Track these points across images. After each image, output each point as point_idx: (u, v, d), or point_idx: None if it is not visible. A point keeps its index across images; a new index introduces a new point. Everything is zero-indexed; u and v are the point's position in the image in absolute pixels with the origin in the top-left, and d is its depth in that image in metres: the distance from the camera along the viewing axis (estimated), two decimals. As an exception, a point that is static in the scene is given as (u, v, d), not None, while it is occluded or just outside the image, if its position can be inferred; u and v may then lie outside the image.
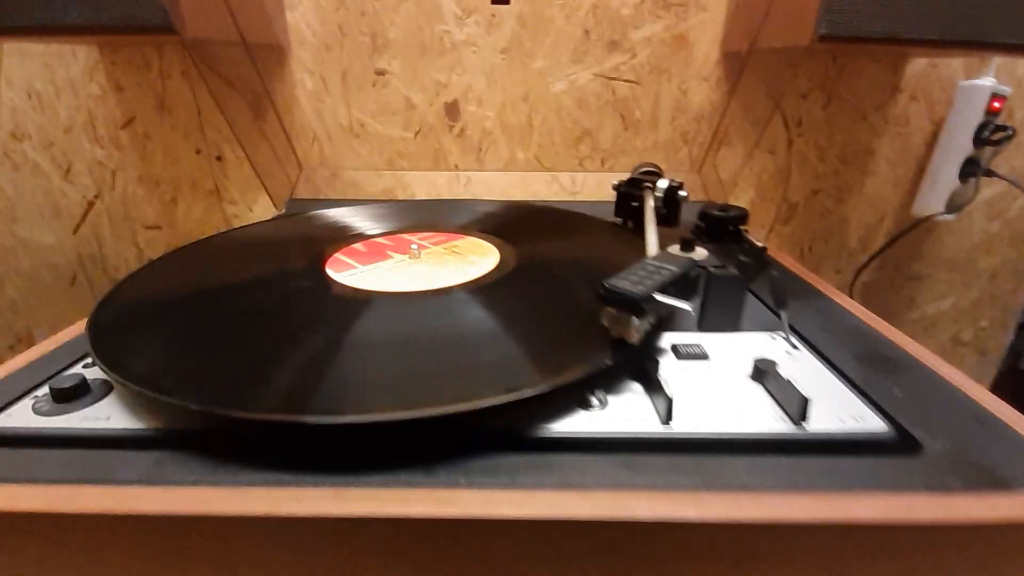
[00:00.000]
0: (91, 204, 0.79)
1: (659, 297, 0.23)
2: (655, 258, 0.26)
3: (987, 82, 0.66)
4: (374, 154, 0.76)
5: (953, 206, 0.74)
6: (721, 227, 0.47)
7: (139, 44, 0.69)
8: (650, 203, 0.41)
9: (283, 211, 0.65)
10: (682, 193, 0.44)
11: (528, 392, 0.22)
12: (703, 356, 0.28)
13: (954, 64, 0.72)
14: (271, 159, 0.76)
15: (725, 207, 0.48)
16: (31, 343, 0.87)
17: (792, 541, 0.19)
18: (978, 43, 0.51)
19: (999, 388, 0.89)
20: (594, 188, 0.77)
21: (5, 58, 0.70)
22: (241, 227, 0.50)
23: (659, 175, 0.48)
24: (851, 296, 0.56)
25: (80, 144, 0.75)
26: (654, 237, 0.33)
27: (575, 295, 0.32)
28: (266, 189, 0.67)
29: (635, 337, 0.24)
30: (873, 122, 0.75)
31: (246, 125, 0.70)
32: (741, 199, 0.78)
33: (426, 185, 0.76)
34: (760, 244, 0.44)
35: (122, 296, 0.33)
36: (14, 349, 0.88)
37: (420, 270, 0.36)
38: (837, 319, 0.33)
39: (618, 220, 0.49)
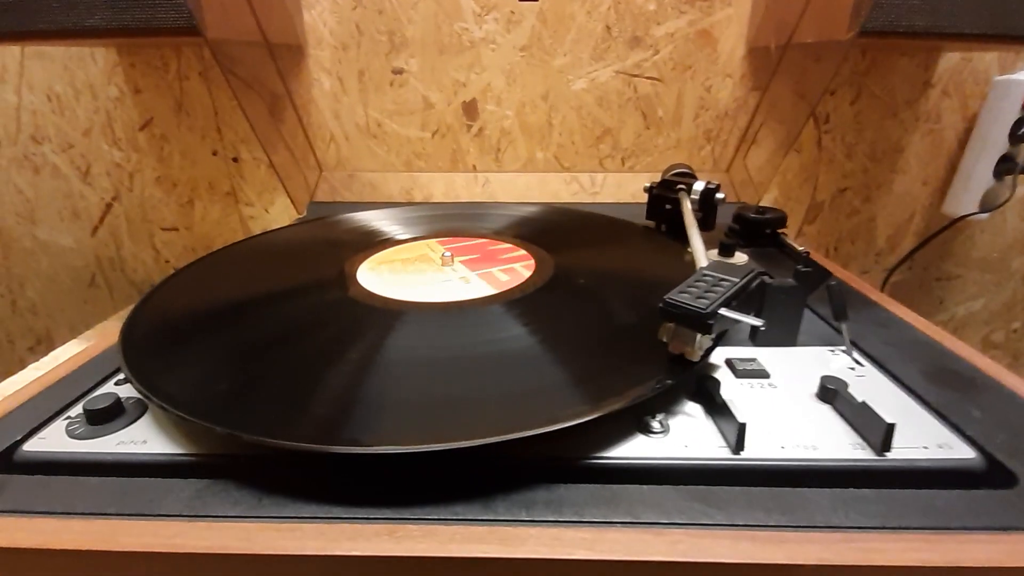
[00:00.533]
0: (109, 206, 0.79)
1: (726, 312, 0.22)
2: (712, 268, 0.25)
3: (1023, 77, 0.64)
4: (391, 154, 0.74)
5: (987, 205, 0.71)
6: (758, 230, 0.45)
7: (158, 46, 0.68)
8: (688, 206, 0.40)
9: (304, 214, 0.64)
10: (719, 196, 0.43)
11: (596, 414, 0.20)
12: (763, 374, 0.26)
13: (988, 58, 0.70)
14: (289, 161, 0.75)
15: (762, 209, 0.46)
16: (51, 345, 0.86)
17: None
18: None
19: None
20: (614, 189, 0.75)
21: (26, 61, 0.70)
22: (267, 232, 0.49)
23: (692, 176, 0.46)
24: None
25: (99, 146, 0.74)
26: (700, 244, 0.31)
27: (620, 306, 0.31)
28: (286, 191, 0.66)
29: (697, 355, 0.23)
30: (903, 118, 0.73)
31: (264, 127, 0.69)
32: (765, 199, 0.76)
33: (444, 186, 0.75)
34: (802, 249, 0.42)
35: (152, 308, 0.32)
36: (34, 351, 0.88)
37: (455, 280, 0.35)
38: (896, 330, 0.31)
39: (650, 223, 0.47)
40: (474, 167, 0.76)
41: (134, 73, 0.70)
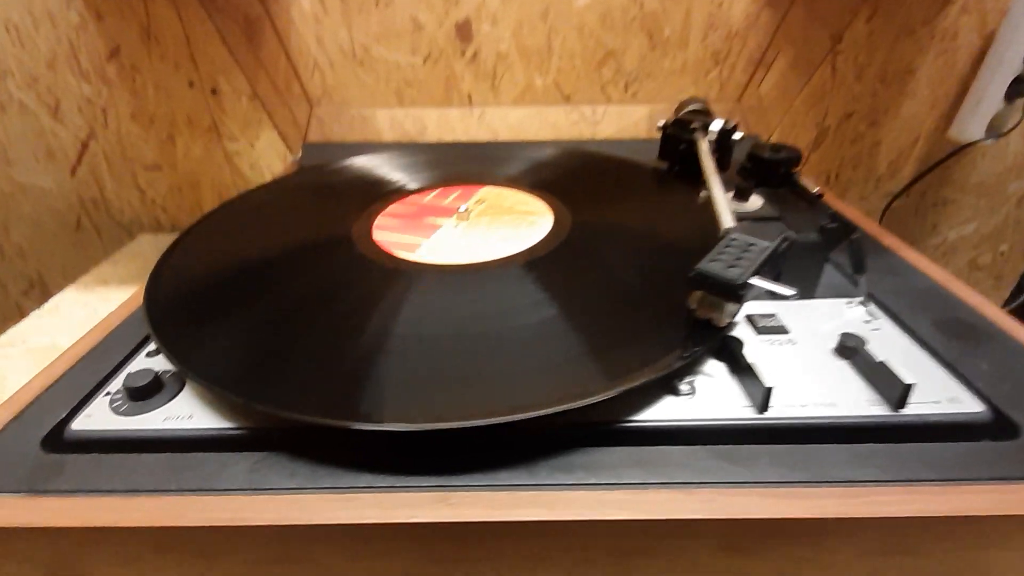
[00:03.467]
0: (85, 145, 0.75)
1: (758, 282, 0.22)
2: (739, 231, 0.25)
3: (1050, -7, 0.60)
4: (380, 83, 0.70)
5: (994, 129, 0.70)
6: (772, 170, 0.44)
7: (117, -36, 0.61)
8: (704, 147, 0.39)
9: (299, 155, 0.61)
10: (736, 136, 0.41)
11: (633, 383, 0.21)
12: (782, 330, 0.27)
13: (1011, -28, 0.66)
14: (271, 91, 0.71)
15: (776, 147, 0.45)
16: (45, 289, 0.85)
17: (904, 536, 0.19)
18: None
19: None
20: (615, 119, 0.73)
21: (-21, -8, 0.63)
22: (273, 182, 0.47)
23: (708, 114, 0.45)
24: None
25: (65, 80, 0.69)
26: (723, 196, 0.31)
27: (644, 266, 0.31)
28: (274, 125, 0.63)
29: (725, 321, 0.24)
30: (919, 37, 0.70)
31: (243, 54, 0.65)
32: (771, 126, 0.74)
33: (437, 119, 0.71)
34: (816, 190, 0.42)
35: (171, 271, 0.31)
36: (28, 295, 0.87)
37: (476, 236, 0.34)
38: (907, 278, 0.32)
39: (662, 164, 0.46)
40: (469, 97, 0.72)
41: (95, -3, 0.64)
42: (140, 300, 0.32)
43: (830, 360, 0.25)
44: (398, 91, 0.71)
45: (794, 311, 0.28)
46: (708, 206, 0.36)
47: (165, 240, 0.78)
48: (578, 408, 0.21)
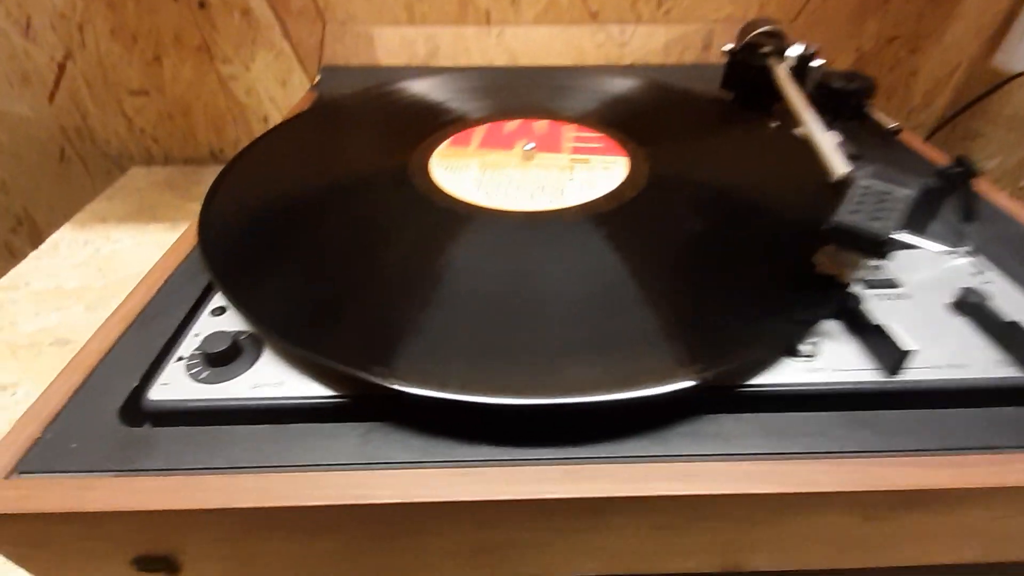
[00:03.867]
0: (62, 67, 0.68)
1: (907, 238, 0.20)
2: (870, 175, 0.23)
3: None
4: (387, -3, 0.63)
5: (1040, 59, 0.67)
6: (842, 101, 0.41)
7: None
8: (786, 77, 0.35)
9: (319, 79, 0.56)
10: (816, 63, 0.38)
11: (774, 347, 0.20)
12: (893, 283, 0.26)
13: None
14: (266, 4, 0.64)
15: (848, 75, 0.42)
16: (34, 226, 0.80)
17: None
18: None
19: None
20: (645, 40, 0.67)
21: None
22: (312, 109, 0.43)
23: (781, 37, 0.41)
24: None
25: (34, -10, 0.61)
26: (827, 134, 0.28)
27: (737, 214, 0.29)
28: (296, 52, 0.57)
29: (853, 277, 0.22)
30: (978, -51, 0.65)
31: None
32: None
33: (452, 39, 0.65)
34: (892, 125, 0.40)
35: (220, 215, 0.28)
36: (17, 232, 0.82)
37: (549, 180, 0.32)
38: (1000, 223, 0.30)
39: (726, 95, 0.43)
40: (487, 14, 0.66)
41: None
42: (187, 246, 0.29)
43: (946, 317, 0.24)
44: (408, 6, 0.64)
45: (898, 262, 0.27)
46: (796, 143, 0.33)
47: (160, 174, 0.73)
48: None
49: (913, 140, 0.42)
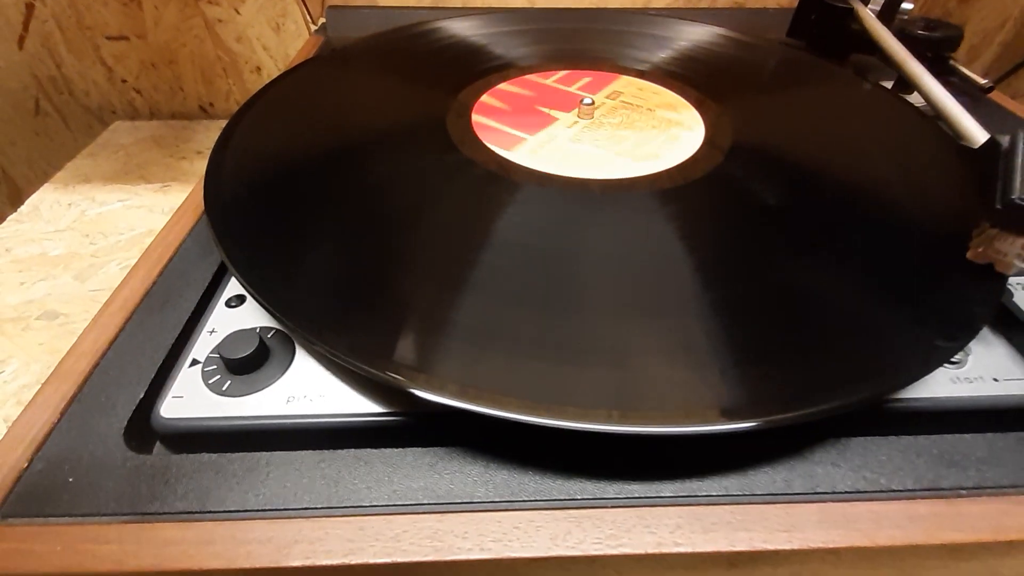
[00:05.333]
0: (30, 7, 0.60)
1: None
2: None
3: None
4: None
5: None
6: (923, 52, 0.36)
7: None
8: (869, 16, 0.30)
9: (322, 22, 0.49)
10: (908, 4, 0.33)
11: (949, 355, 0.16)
12: (1036, 271, 0.22)
13: None
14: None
15: (931, 23, 0.37)
16: (11, 184, 0.74)
17: None
18: None
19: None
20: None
21: None
22: (325, 55, 0.37)
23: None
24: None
25: (-10, -88, 0.53)
26: (947, 93, 0.24)
27: (850, 187, 0.24)
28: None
29: (1014, 268, 0.18)
30: None
31: None
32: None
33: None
34: (984, 81, 0.35)
35: (229, 182, 0.23)
36: (-9, 193, 0.75)
37: (608, 142, 0.27)
38: None
39: (795, 43, 0.37)
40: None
41: None
42: (191, 218, 0.24)
43: (1105, 311, 0.20)
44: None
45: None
46: (897, 102, 0.29)
47: (145, 129, 0.67)
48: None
49: (1006, 101, 0.37)
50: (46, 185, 0.56)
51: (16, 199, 0.66)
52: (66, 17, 0.61)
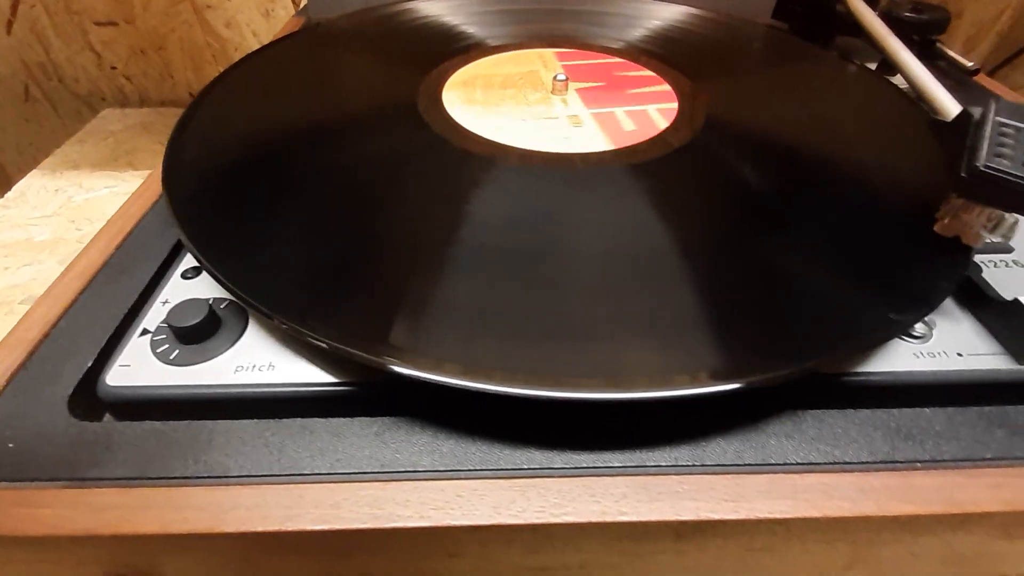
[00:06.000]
0: (17, -9, 0.60)
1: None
2: (1006, 111, 0.18)
3: None
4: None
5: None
6: (909, 34, 0.35)
7: None
8: (862, 3, 0.30)
9: (304, 4, 0.49)
10: (892, -12, 0.32)
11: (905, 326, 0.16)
12: (1006, 248, 0.21)
13: None
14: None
15: (918, 6, 0.36)
16: (2, 171, 0.74)
17: None
18: None
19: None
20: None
21: None
22: (298, 32, 0.36)
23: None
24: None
25: None
26: (923, 67, 0.23)
27: (814, 164, 0.24)
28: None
29: (981, 240, 0.18)
30: None
31: None
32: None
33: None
34: (970, 64, 0.34)
35: (191, 157, 0.23)
36: (-20, 180, 0.75)
37: (587, 119, 0.26)
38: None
39: (779, 25, 0.37)
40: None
41: None
42: (154, 193, 0.24)
43: (1072, 287, 0.20)
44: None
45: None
46: (876, 82, 0.28)
47: (135, 116, 0.67)
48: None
49: (990, 83, 0.37)
50: (34, 171, 0.56)
51: (6, 185, 0.65)
52: (54, 2, 0.61)
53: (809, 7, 0.35)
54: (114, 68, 0.68)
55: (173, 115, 0.66)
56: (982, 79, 0.38)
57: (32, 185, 0.55)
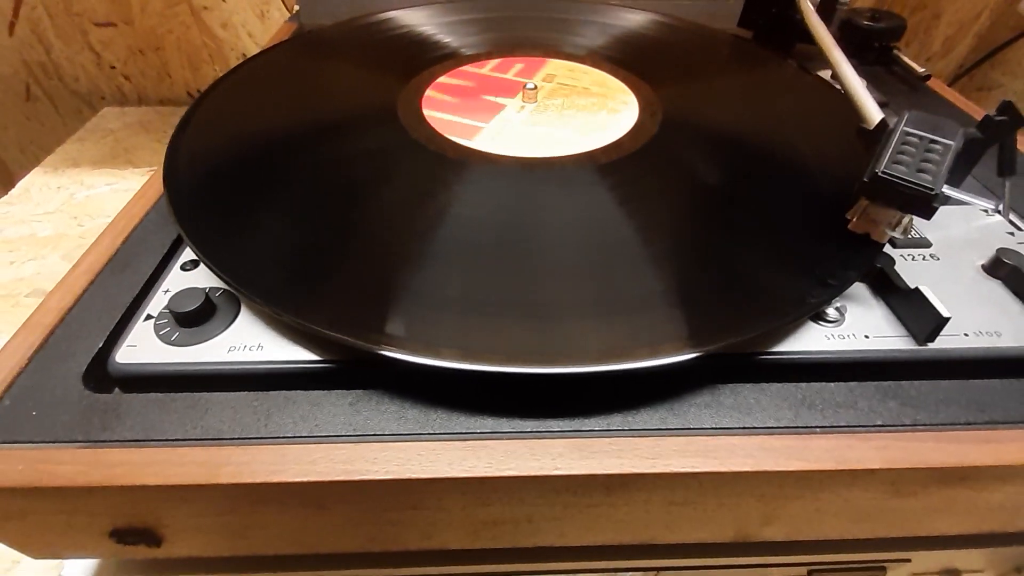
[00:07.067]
0: (19, -6, 0.62)
1: (955, 193, 0.18)
2: (915, 121, 0.20)
3: None
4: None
5: (1075, 2, 0.63)
6: (867, 42, 0.38)
7: None
8: (813, 13, 0.32)
9: (296, 9, 0.51)
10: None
11: (802, 313, 0.18)
12: (924, 243, 0.24)
13: None
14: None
15: (876, 14, 0.38)
16: (4, 168, 0.76)
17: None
18: None
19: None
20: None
21: None
22: (291, 40, 0.39)
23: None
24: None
25: (-22, -98, 0.55)
26: (858, 78, 0.26)
27: (759, 164, 0.26)
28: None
29: (888, 236, 0.20)
30: None
31: None
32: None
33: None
34: (922, 70, 0.37)
35: (189, 157, 0.25)
36: (-15, 177, 0.77)
37: (554, 122, 0.29)
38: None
39: (744, 33, 0.39)
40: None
41: None
42: (156, 192, 0.26)
43: (979, 279, 0.23)
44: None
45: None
46: (822, 86, 0.31)
47: (134, 115, 0.69)
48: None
49: (942, 88, 0.39)
50: (36, 169, 0.59)
51: (8, 182, 0.68)
52: (55, 3, 0.63)
53: (770, 17, 0.37)
54: (113, 68, 0.70)
55: (171, 113, 0.69)
56: (936, 84, 0.40)
57: (35, 182, 0.57)
